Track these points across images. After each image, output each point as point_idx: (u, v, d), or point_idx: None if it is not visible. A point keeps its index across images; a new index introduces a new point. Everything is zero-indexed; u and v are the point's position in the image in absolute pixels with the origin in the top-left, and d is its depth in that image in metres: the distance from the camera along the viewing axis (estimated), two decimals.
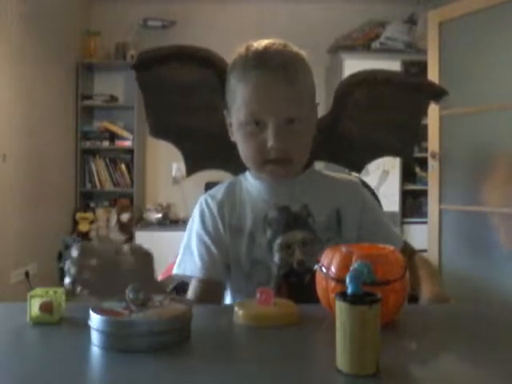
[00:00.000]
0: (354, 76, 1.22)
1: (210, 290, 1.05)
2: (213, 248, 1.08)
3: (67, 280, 0.79)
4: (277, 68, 1.00)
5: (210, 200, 1.13)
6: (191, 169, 1.25)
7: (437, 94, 1.22)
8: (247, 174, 1.16)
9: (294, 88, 1.01)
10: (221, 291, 1.08)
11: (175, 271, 1.09)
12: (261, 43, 1.04)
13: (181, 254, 1.11)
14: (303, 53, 1.07)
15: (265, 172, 1.08)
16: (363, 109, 1.21)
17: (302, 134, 1.05)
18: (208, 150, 1.24)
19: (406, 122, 1.24)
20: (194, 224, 1.12)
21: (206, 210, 1.12)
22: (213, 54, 1.17)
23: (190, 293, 1.05)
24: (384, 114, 1.22)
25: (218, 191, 1.15)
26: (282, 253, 1.06)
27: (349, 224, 1.10)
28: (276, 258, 1.06)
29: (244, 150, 1.07)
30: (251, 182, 1.14)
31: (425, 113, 1.26)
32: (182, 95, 1.19)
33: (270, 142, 1.00)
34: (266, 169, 1.06)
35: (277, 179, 1.10)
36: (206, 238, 1.09)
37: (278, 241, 1.06)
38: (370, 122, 1.22)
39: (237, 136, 1.08)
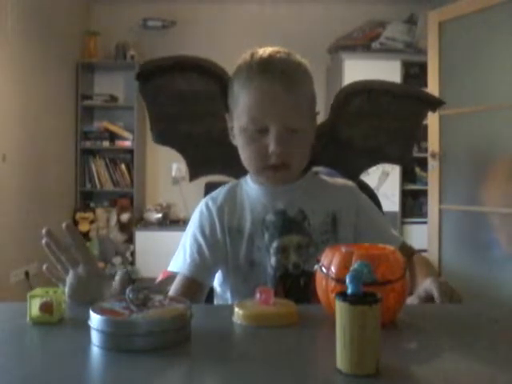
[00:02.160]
0: (352, 85, 1.25)
1: (191, 289, 1.06)
2: (205, 250, 1.09)
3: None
4: (280, 75, 1.02)
5: (210, 203, 1.15)
6: (194, 174, 1.29)
7: (434, 103, 1.26)
8: (247, 177, 1.19)
9: (295, 96, 1.04)
10: (202, 293, 1.09)
11: (168, 268, 1.12)
12: (265, 50, 1.06)
13: (176, 252, 1.14)
14: (305, 62, 1.09)
15: (263, 177, 1.11)
16: (362, 116, 1.24)
17: (301, 141, 1.07)
18: (210, 156, 1.27)
19: (404, 130, 1.27)
20: (192, 224, 1.15)
21: (205, 212, 1.14)
22: (213, 63, 1.21)
23: (172, 287, 1.07)
24: (382, 122, 1.25)
25: (219, 194, 1.17)
26: (278, 256, 1.07)
27: (345, 227, 1.12)
28: (273, 260, 1.08)
29: (244, 154, 1.10)
30: (251, 186, 1.16)
31: (422, 122, 1.30)
32: (184, 104, 1.23)
33: (272, 147, 1.03)
34: (264, 174, 1.09)
35: (274, 184, 1.12)
36: (201, 239, 1.11)
37: (275, 244, 1.08)
38: (368, 129, 1.25)
39: (238, 140, 1.10)
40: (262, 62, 1.04)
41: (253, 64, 1.05)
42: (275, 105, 1.03)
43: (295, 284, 1.07)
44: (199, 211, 1.15)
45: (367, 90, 1.23)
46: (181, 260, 1.10)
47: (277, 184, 1.12)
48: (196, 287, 1.07)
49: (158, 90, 1.21)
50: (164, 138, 1.25)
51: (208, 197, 1.18)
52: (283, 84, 1.02)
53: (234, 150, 1.13)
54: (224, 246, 1.11)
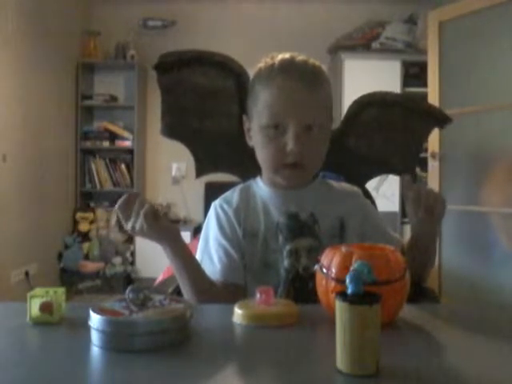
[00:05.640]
0: (366, 96, 1.28)
1: (231, 292, 1.05)
2: (231, 251, 1.09)
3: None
4: (302, 75, 1.05)
5: (226, 206, 1.15)
6: (201, 171, 1.28)
7: (442, 120, 1.27)
8: (258, 179, 1.19)
9: (316, 96, 1.06)
10: (241, 293, 1.07)
11: None
12: (286, 53, 1.09)
13: (199, 258, 1.12)
14: (324, 67, 1.11)
15: (279, 176, 1.10)
16: (371, 126, 1.27)
17: (318, 141, 1.08)
18: (218, 154, 1.28)
19: (410, 143, 1.29)
20: (211, 229, 1.14)
21: (222, 215, 1.13)
22: (232, 60, 1.22)
23: (211, 295, 1.05)
24: (390, 133, 1.27)
25: (232, 197, 1.17)
26: (291, 258, 1.07)
27: (351, 233, 1.12)
28: (286, 262, 1.08)
29: (262, 153, 1.10)
30: (263, 188, 1.16)
31: (428, 136, 1.32)
32: (199, 99, 1.23)
33: (290, 146, 1.04)
34: (281, 173, 1.09)
35: (289, 184, 1.12)
36: (225, 242, 1.10)
37: (288, 247, 1.08)
38: (376, 140, 1.28)
39: (256, 140, 1.11)
40: (284, 62, 1.07)
41: (274, 64, 1.07)
42: (295, 102, 1.05)
43: (304, 286, 1.06)
44: (215, 215, 1.15)
45: (380, 102, 1.26)
46: (210, 266, 1.09)
47: (291, 184, 1.12)
48: (235, 290, 1.06)
49: (174, 82, 1.21)
50: (173, 131, 1.24)
51: (220, 199, 1.17)
52: (304, 83, 1.04)
53: (243, 150, 1.14)
54: (243, 246, 1.11)
